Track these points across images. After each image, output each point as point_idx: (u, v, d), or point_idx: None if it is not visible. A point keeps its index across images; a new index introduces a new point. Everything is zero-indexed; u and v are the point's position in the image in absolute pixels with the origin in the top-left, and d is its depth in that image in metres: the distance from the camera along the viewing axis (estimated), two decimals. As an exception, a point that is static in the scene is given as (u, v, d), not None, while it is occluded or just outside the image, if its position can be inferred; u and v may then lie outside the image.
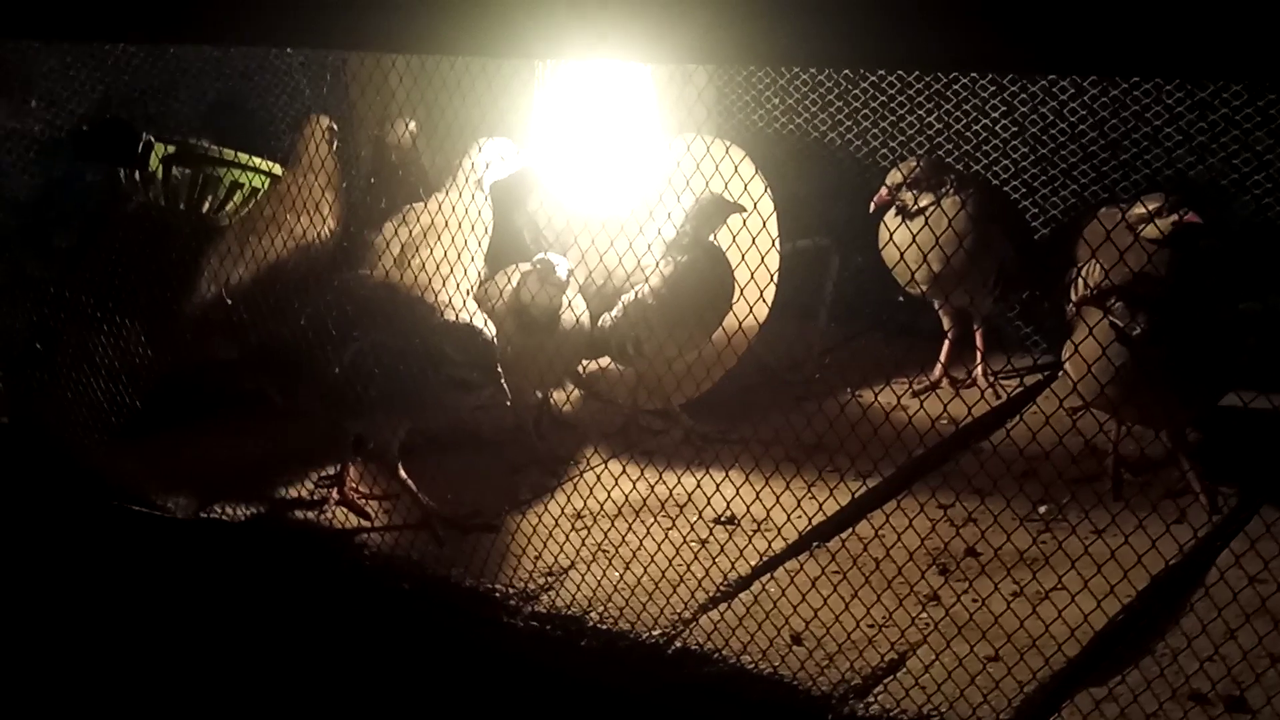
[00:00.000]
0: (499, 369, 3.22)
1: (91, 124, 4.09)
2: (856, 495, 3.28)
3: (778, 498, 2.99)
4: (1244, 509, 3.18)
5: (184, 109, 4.90)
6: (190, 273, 3.86)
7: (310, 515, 3.50)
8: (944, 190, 3.74)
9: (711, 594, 2.98)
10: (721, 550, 3.07)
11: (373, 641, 3.31)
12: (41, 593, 3.96)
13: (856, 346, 4.32)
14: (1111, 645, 2.71)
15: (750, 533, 3.19)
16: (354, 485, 3.55)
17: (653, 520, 3.18)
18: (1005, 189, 4.09)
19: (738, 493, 3.06)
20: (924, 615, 2.84)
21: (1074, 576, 2.68)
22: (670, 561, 3.01)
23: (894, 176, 3.81)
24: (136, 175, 3.93)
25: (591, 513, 3.36)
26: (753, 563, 3.07)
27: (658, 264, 3.55)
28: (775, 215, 3.70)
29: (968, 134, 4.14)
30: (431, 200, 3.68)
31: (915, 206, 3.74)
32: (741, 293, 3.39)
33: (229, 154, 3.96)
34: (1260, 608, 2.59)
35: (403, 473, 3.39)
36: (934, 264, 3.61)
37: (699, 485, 3.14)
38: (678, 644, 2.85)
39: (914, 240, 3.61)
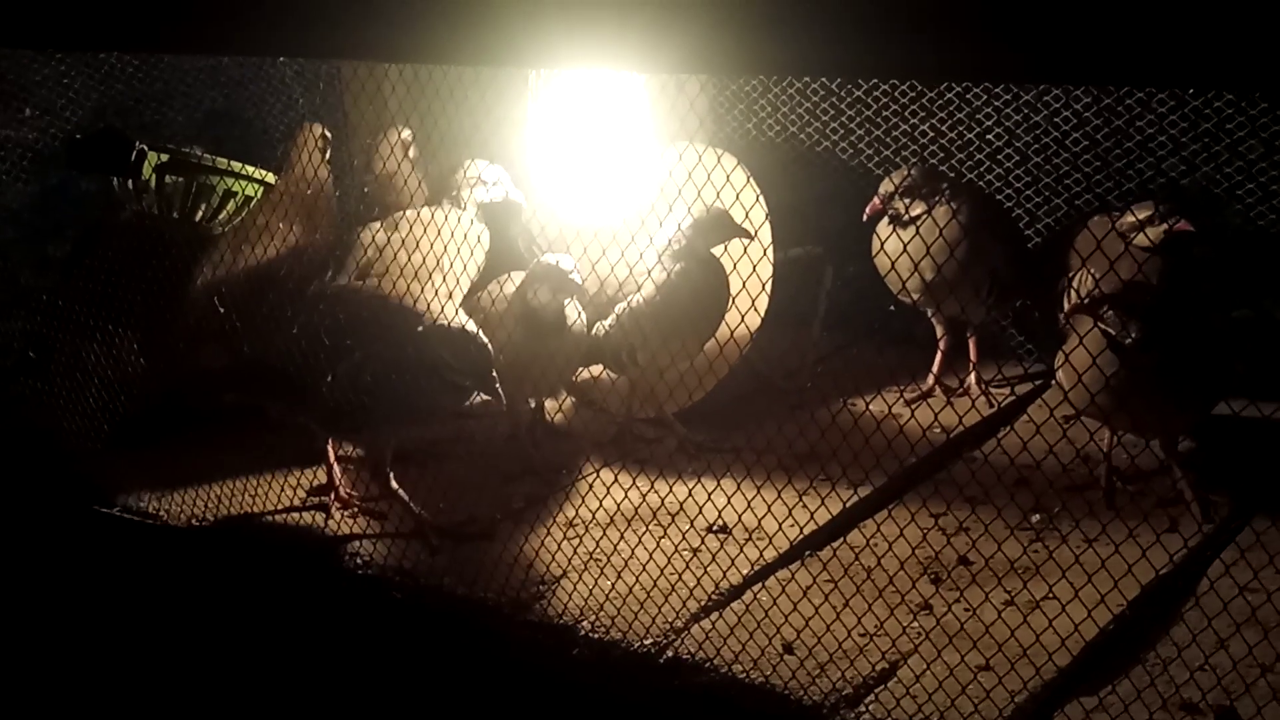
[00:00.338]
0: (494, 374, 3.22)
1: (85, 133, 4.09)
2: (848, 504, 3.28)
3: (769, 507, 2.99)
4: (1236, 518, 3.18)
5: (179, 118, 4.91)
6: (183, 281, 3.87)
7: (303, 524, 3.50)
8: (936, 199, 3.74)
9: (703, 603, 2.98)
10: (713, 559, 3.07)
11: (365, 650, 3.31)
12: (30, 598, 3.95)
13: (850, 355, 4.33)
14: (1103, 655, 2.71)
15: (742, 542, 3.19)
16: (348, 490, 3.55)
17: (645, 529, 3.18)
18: (998, 198, 4.09)
19: (729, 502, 3.06)
20: (915, 624, 2.84)
21: (1065, 586, 2.69)
22: (662, 570, 3.01)
23: (886, 185, 3.81)
24: (130, 184, 3.93)
25: (584, 522, 3.36)
26: (744, 572, 3.08)
27: (650, 273, 3.56)
28: (768, 224, 3.71)
29: (961, 143, 4.15)
30: (423, 211, 3.68)
31: (907, 215, 3.75)
32: (734, 302, 3.39)
33: (222, 162, 3.96)
34: (1250, 617, 2.59)
35: (394, 482, 3.39)
36: (926, 273, 3.61)
37: (690, 494, 3.14)
38: (670, 653, 2.85)
39: (905, 249, 3.61)
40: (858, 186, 4.14)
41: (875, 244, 3.86)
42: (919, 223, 3.70)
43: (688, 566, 3.06)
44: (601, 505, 3.34)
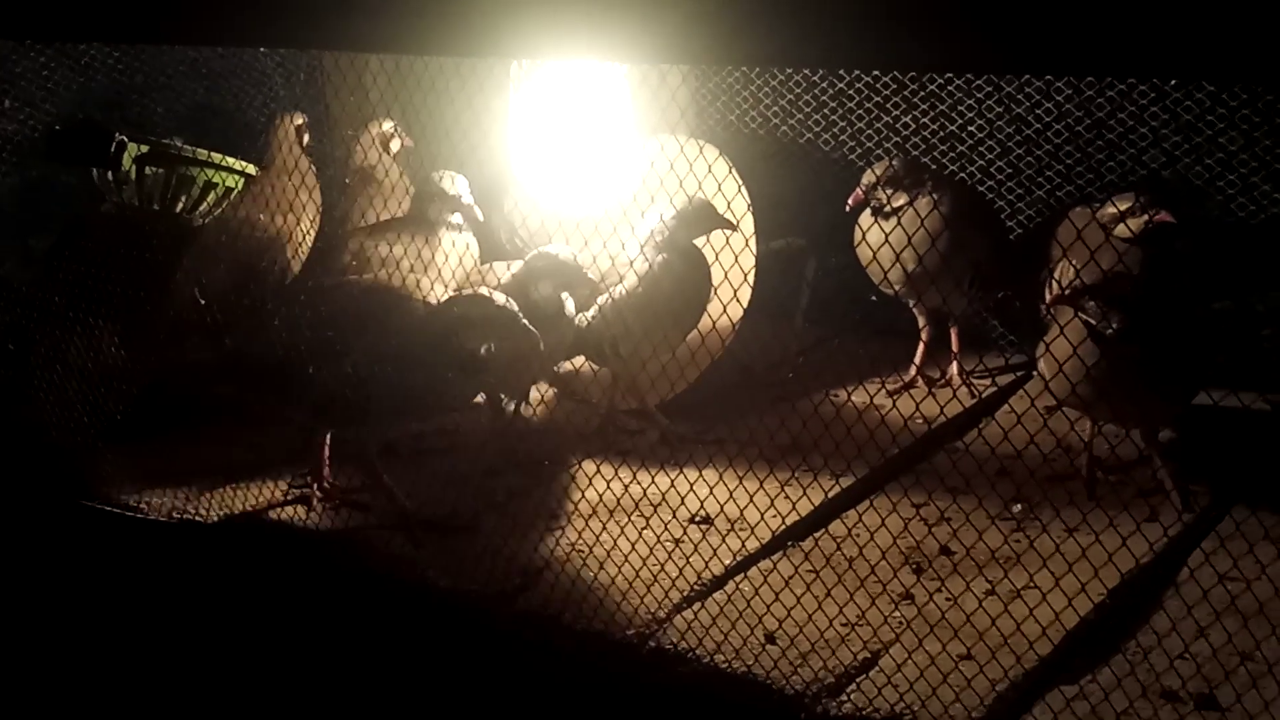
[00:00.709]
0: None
1: (64, 124, 4.07)
2: (830, 494, 3.28)
3: (751, 497, 3.00)
4: (1216, 508, 3.20)
5: (159, 109, 4.89)
6: (165, 273, 3.85)
7: (285, 517, 3.49)
8: (918, 190, 3.74)
9: (685, 594, 2.98)
10: (695, 550, 3.07)
11: (348, 643, 3.30)
12: (14, 591, 3.94)
13: (832, 347, 4.33)
14: (1083, 643, 2.72)
15: (724, 532, 3.19)
16: (329, 480, 3.54)
17: (627, 521, 3.18)
18: (981, 189, 4.10)
19: (711, 493, 3.06)
20: (897, 614, 2.85)
21: (1046, 575, 2.70)
22: (645, 562, 3.01)
23: (869, 176, 3.82)
24: (110, 176, 3.91)
25: (566, 513, 3.36)
26: (726, 562, 3.08)
27: (633, 264, 3.55)
28: (750, 215, 3.71)
29: (943, 135, 4.15)
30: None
31: (889, 206, 3.75)
32: (716, 293, 3.39)
33: (202, 154, 3.94)
34: (1230, 606, 2.61)
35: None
36: (907, 264, 3.62)
37: (673, 485, 3.14)
38: (652, 644, 2.85)
39: (887, 240, 3.62)
40: (840, 179, 4.15)
41: (857, 235, 3.86)
42: (901, 214, 3.71)
43: (670, 557, 3.06)
44: (584, 497, 3.34)
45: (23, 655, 3.84)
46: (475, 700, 3.12)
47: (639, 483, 3.29)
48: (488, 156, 3.86)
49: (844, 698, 2.61)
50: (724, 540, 3.13)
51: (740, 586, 2.99)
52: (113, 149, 3.80)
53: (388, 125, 4.03)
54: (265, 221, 3.82)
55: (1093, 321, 3.05)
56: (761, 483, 3.08)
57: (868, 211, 3.83)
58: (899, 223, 3.67)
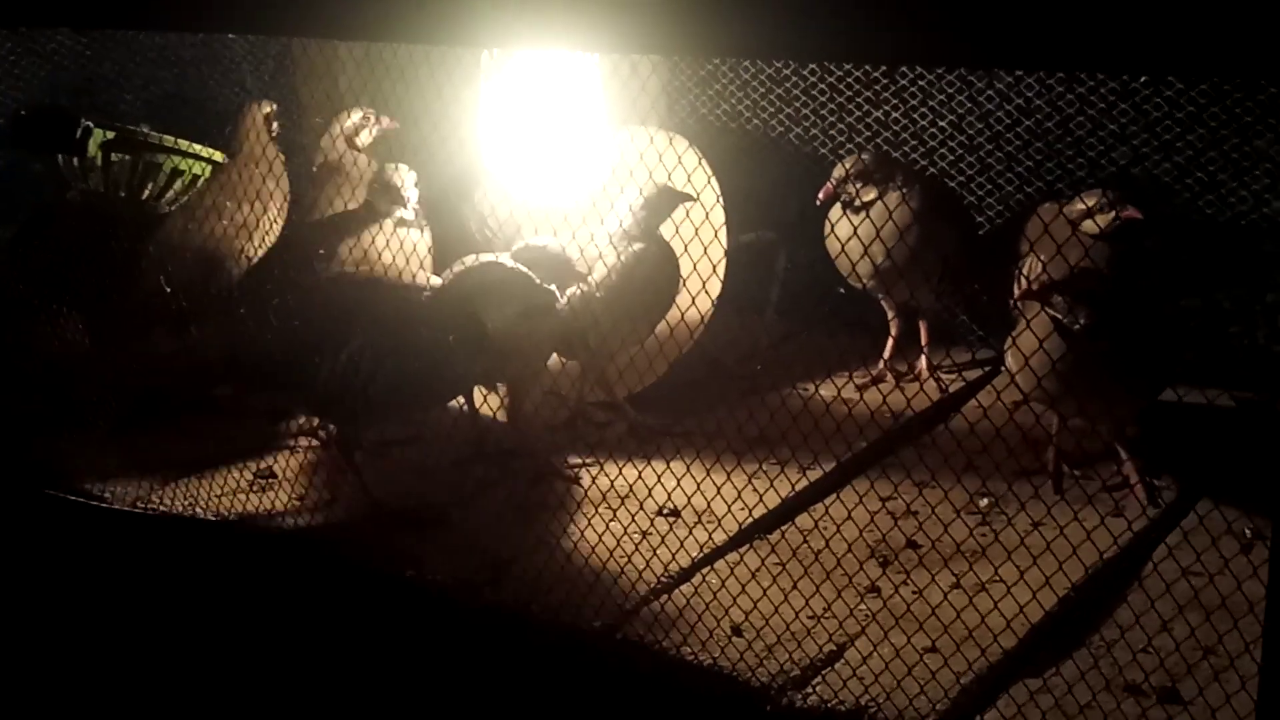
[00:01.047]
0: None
1: (30, 110, 4.04)
2: (797, 486, 3.28)
3: (719, 489, 2.99)
4: (1180, 503, 3.22)
5: (128, 96, 4.86)
6: (131, 261, 3.83)
7: (252, 507, 3.47)
8: (888, 184, 3.75)
9: (653, 585, 2.98)
10: (663, 542, 3.07)
11: (315, 634, 3.28)
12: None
13: (802, 340, 4.33)
14: (1047, 637, 2.73)
15: (691, 524, 3.19)
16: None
17: (595, 512, 3.18)
18: (952, 184, 4.11)
19: (679, 484, 3.06)
20: (863, 606, 2.85)
21: (1011, 568, 2.71)
22: (612, 553, 3.01)
23: (839, 170, 3.82)
24: (76, 162, 3.88)
25: (534, 505, 3.35)
26: (694, 554, 3.07)
27: (602, 256, 3.54)
28: (720, 207, 3.71)
29: (914, 129, 4.16)
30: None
31: (859, 200, 3.75)
32: (685, 284, 3.39)
33: (169, 140, 3.92)
34: (1193, 600, 2.62)
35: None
36: (875, 257, 3.62)
37: (640, 477, 3.14)
38: (619, 635, 2.84)
39: (855, 233, 3.62)
40: (812, 172, 4.15)
41: (827, 228, 3.87)
42: (870, 207, 3.71)
43: (637, 549, 3.06)
44: (552, 488, 3.33)
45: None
46: (442, 691, 3.11)
47: (606, 475, 3.29)
48: (457, 146, 3.83)
49: (809, 690, 2.62)
50: (691, 532, 3.13)
51: (707, 578, 2.99)
52: (78, 134, 3.77)
53: (356, 117, 3.98)
54: (232, 209, 3.79)
55: (1060, 317, 3.06)
56: (729, 475, 3.08)
57: (838, 205, 3.83)
58: (867, 216, 3.67)
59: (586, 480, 3.45)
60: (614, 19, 2.33)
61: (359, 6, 2.65)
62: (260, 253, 3.87)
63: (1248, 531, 2.99)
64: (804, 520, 3.22)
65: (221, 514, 3.46)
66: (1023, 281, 3.33)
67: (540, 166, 3.83)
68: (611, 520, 3.12)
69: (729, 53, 3.85)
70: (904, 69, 4.01)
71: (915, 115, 4.14)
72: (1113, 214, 3.39)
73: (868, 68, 4.05)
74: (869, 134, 4.22)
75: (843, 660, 2.69)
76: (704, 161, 3.75)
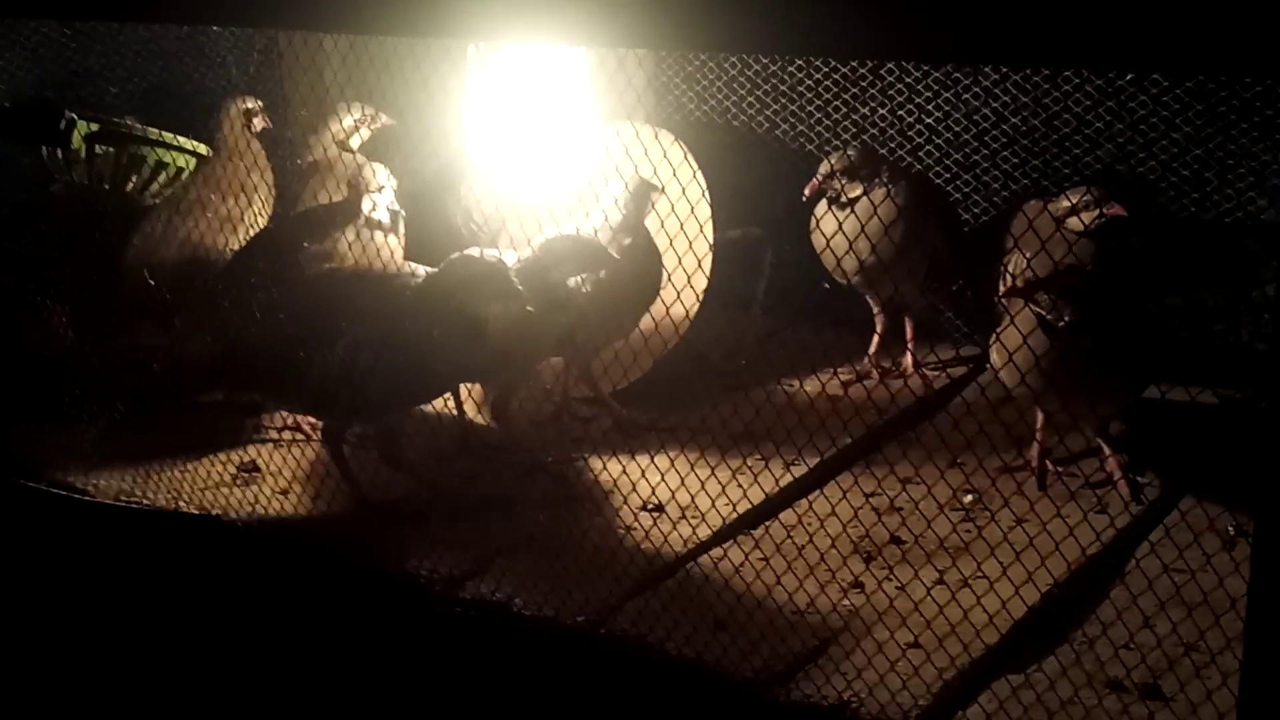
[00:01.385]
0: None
1: (13, 102, 4.03)
2: (781, 482, 3.28)
3: (703, 485, 3.00)
4: (1163, 499, 3.22)
5: (113, 89, 4.85)
6: (115, 253, 3.81)
7: (234, 500, 3.46)
8: (874, 181, 3.75)
9: (637, 580, 2.97)
10: (646, 536, 3.07)
11: (299, 628, 3.28)
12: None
13: (788, 336, 4.33)
14: (1030, 633, 2.73)
15: (675, 520, 3.19)
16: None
17: (580, 507, 3.17)
18: (939, 181, 4.11)
19: (663, 479, 3.05)
20: (846, 602, 2.85)
21: (994, 564, 2.71)
22: (596, 548, 3.00)
23: (826, 166, 3.81)
24: (60, 154, 3.87)
25: (518, 500, 3.34)
26: (677, 549, 3.07)
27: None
28: (705, 201, 3.70)
29: (901, 126, 4.16)
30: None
31: (845, 196, 3.75)
32: (669, 279, 3.38)
33: (153, 133, 3.90)
34: (1175, 596, 2.62)
35: (346, 460, 3.36)
36: (860, 253, 3.61)
37: (624, 471, 3.14)
38: (603, 630, 2.84)
39: (840, 229, 3.61)
40: (799, 168, 4.14)
41: (812, 223, 3.87)
42: (855, 204, 3.71)
43: (621, 544, 3.05)
44: (536, 483, 3.33)
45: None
46: (425, 685, 3.11)
47: (591, 470, 3.29)
48: (443, 140, 3.82)
49: (793, 685, 2.62)
50: (675, 527, 3.13)
51: (691, 573, 2.99)
52: (62, 126, 3.76)
53: (354, 117, 3.92)
54: (215, 203, 3.78)
55: (1044, 313, 3.06)
56: (713, 470, 3.08)
57: (824, 201, 3.83)
58: (852, 212, 3.67)
59: (571, 475, 3.44)
60: (600, 12, 2.32)
61: (344, -1, 2.65)
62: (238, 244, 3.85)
63: (1230, 528, 2.99)
64: (788, 516, 3.22)
65: (204, 508, 3.45)
66: (1007, 278, 3.33)
67: (526, 161, 3.82)
68: (595, 515, 3.12)
69: (715, 47, 3.84)
70: (890, 65, 4.01)
71: (902, 112, 4.14)
72: (1097, 211, 3.39)
73: (854, 63, 4.05)
74: (855, 130, 4.22)
75: (826, 655, 2.69)
76: (689, 156, 3.74)
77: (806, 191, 3.85)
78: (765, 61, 4.24)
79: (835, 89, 4.18)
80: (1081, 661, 2.61)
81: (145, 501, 3.52)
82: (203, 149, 3.96)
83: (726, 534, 3.16)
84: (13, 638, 3.74)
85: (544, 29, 2.48)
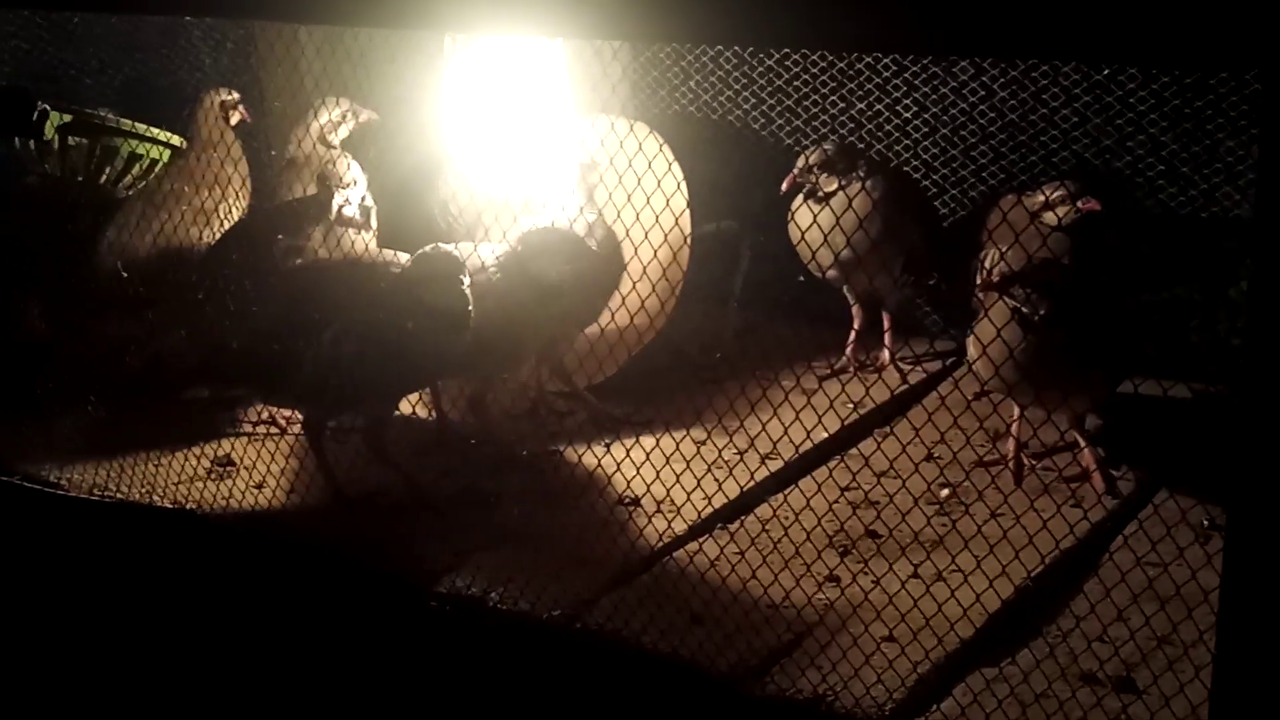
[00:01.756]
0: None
1: (-16, 92, 4.00)
2: (757, 476, 3.29)
3: (678, 478, 2.99)
4: (1138, 493, 3.23)
5: (89, 80, 4.82)
6: (88, 245, 3.79)
7: (208, 494, 3.44)
8: (852, 175, 3.75)
9: (613, 574, 2.97)
10: (623, 530, 3.07)
11: (275, 622, 3.27)
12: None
13: (765, 330, 4.33)
14: (1004, 626, 2.74)
15: (651, 513, 3.18)
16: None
17: (555, 501, 3.17)
18: (917, 176, 4.11)
19: (639, 473, 3.05)
20: (821, 595, 2.85)
21: (969, 558, 2.72)
22: (572, 542, 3.00)
23: (803, 160, 3.81)
24: (33, 145, 3.84)
25: (494, 493, 3.34)
26: (653, 543, 3.07)
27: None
28: (680, 192, 3.69)
29: (879, 120, 4.16)
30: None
31: (823, 190, 3.75)
32: (645, 271, 3.37)
33: (127, 124, 3.88)
34: (1148, 589, 2.64)
35: (325, 453, 3.35)
36: (836, 247, 3.62)
37: (600, 465, 3.13)
38: (578, 624, 2.84)
39: (815, 222, 3.61)
40: (777, 163, 4.14)
41: (789, 217, 3.86)
42: (832, 198, 3.71)
43: (597, 538, 3.05)
44: (512, 477, 3.32)
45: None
46: (401, 679, 3.10)
47: (567, 464, 3.28)
48: (419, 132, 3.80)
49: (768, 679, 2.62)
50: (650, 521, 3.13)
51: (667, 567, 2.99)
52: (35, 117, 3.72)
53: (336, 112, 3.88)
54: (190, 195, 3.75)
55: (1019, 307, 3.07)
56: (689, 464, 3.07)
57: (802, 195, 3.83)
58: (828, 206, 3.67)
59: (547, 469, 3.44)
60: (577, 4, 2.31)
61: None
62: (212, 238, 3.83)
63: (1204, 522, 3.01)
64: (763, 509, 3.22)
65: (179, 502, 3.43)
66: (983, 272, 3.34)
67: (502, 153, 3.80)
68: (572, 509, 3.11)
69: (692, 39, 3.84)
70: (869, 58, 4.01)
71: (880, 106, 4.14)
72: (1072, 206, 3.40)
73: (833, 57, 4.05)
74: (834, 124, 4.22)
75: (802, 649, 2.69)
76: (665, 148, 3.73)
77: (784, 185, 3.85)
78: (743, 54, 4.23)
79: (813, 82, 4.17)
80: (1055, 655, 2.61)
81: (119, 496, 3.50)
82: (177, 141, 3.94)
83: (702, 528, 3.16)
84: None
85: (519, 21, 2.47)
